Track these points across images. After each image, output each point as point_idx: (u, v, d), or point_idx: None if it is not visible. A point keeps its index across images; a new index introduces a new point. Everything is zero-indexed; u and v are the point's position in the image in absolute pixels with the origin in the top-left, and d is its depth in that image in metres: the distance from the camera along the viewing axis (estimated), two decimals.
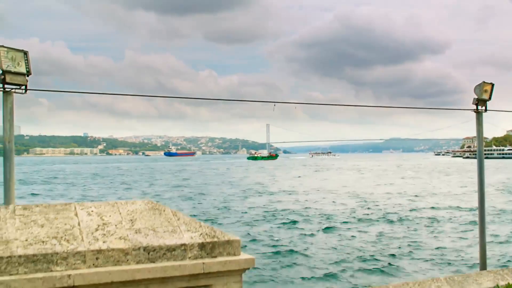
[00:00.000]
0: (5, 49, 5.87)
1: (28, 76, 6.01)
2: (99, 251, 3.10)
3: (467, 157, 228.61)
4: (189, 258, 3.32)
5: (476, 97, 8.94)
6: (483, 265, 8.74)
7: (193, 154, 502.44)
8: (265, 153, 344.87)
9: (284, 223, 31.42)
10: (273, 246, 23.88)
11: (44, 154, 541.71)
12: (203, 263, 3.30)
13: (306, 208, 39.69)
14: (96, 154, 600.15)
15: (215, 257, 3.40)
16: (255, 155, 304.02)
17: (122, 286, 3.12)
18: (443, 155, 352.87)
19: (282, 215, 35.41)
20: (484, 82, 8.92)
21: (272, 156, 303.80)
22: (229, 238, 3.49)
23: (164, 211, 3.60)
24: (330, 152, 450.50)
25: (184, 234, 3.41)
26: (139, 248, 3.20)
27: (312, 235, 27.05)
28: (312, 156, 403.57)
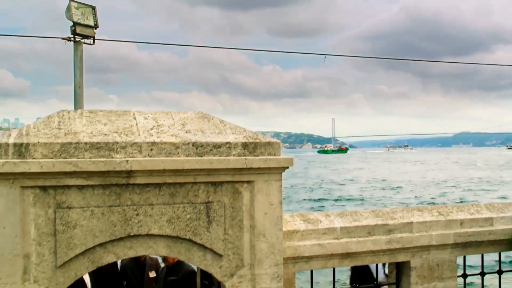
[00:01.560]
0: (76, 3, 6.45)
1: (95, 29, 6.59)
2: (153, 143, 3.51)
3: None
4: (233, 155, 3.68)
5: None
6: None
7: None
8: (331, 147, 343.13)
9: None
10: None
11: None
12: (246, 159, 3.66)
13: None
14: None
15: (257, 155, 3.75)
16: (326, 149, 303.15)
17: (172, 175, 3.52)
18: None
19: None
20: None
21: (342, 150, 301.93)
22: (269, 140, 3.84)
23: (212, 119, 3.99)
24: (407, 146, 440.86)
25: (229, 135, 3.78)
26: (188, 143, 3.59)
27: None
28: (389, 149, 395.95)
